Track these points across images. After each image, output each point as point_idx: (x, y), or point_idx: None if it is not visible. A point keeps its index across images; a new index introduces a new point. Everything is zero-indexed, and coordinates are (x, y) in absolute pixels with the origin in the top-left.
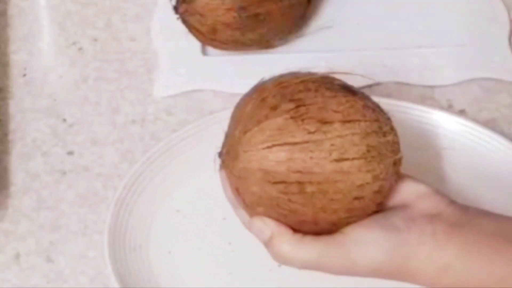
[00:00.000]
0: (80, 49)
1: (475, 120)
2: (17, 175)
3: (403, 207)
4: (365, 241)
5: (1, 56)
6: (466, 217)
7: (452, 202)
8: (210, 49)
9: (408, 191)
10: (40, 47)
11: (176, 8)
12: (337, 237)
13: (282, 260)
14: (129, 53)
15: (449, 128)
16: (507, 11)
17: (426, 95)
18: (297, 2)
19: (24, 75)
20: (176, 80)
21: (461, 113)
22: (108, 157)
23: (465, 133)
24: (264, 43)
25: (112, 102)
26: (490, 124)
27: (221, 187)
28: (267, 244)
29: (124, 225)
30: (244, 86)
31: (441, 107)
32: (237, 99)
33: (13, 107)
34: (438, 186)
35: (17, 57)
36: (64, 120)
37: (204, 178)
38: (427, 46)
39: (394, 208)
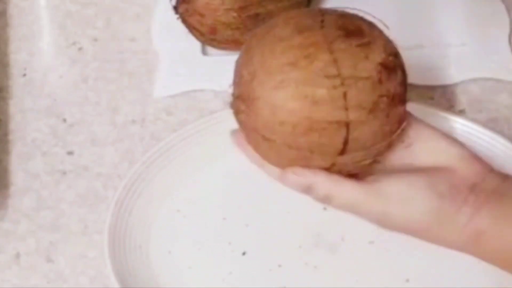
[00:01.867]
0: (80, 49)
1: (475, 120)
2: (17, 175)
3: (445, 170)
4: (405, 197)
5: (1, 56)
6: (506, 185)
7: (492, 169)
8: (210, 49)
9: (451, 153)
10: (40, 47)
11: (176, 8)
12: (378, 187)
13: (323, 201)
14: (129, 53)
15: (449, 128)
16: (507, 11)
17: (426, 95)
18: (297, 2)
19: (24, 75)
20: (176, 80)
21: (461, 113)
22: (108, 157)
23: (465, 133)
24: None
25: (112, 102)
26: (490, 124)
27: (221, 187)
28: (307, 191)
29: (124, 225)
30: None
31: (441, 107)
32: None
33: (13, 107)
34: None
35: (17, 57)
36: (64, 120)
37: (204, 178)
38: (427, 46)
39: (436, 170)
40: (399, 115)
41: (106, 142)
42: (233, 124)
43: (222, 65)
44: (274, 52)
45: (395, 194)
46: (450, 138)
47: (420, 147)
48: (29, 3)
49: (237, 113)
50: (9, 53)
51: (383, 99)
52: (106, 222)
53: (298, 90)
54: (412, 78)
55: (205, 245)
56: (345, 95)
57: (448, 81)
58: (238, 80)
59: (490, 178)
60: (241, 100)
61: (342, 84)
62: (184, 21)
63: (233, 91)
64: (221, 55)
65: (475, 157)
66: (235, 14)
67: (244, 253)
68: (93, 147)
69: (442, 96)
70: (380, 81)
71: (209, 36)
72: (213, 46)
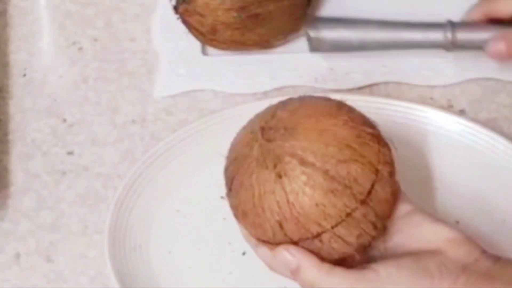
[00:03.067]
0: (80, 49)
1: (475, 120)
2: (17, 175)
3: (435, 252)
4: (396, 282)
5: (1, 56)
6: (497, 267)
7: (484, 251)
8: (210, 49)
9: (441, 236)
10: (40, 47)
11: (176, 8)
12: (368, 274)
13: (309, 287)
14: (129, 53)
15: (449, 128)
16: None
17: (426, 95)
18: (297, 2)
19: (24, 75)
20: (176, 80)
21: (461, 113)
22: (108, 157)
23: (465, 133)
24: (264, 43)
25: (112, 102)
26: (490, 124)
27: (221, 187)
28: (294, 273)
29: (124, 225)
30: (244, 86)
31: (441, 107)
32: (237, 99)
33: (13, 107)
34: (438, 186)
35: (17, 57)
36: (64, 120)
37: (204, 178)
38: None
39: (426, 252)
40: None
41: (106, 142)
42: (232, 123)
43: (222, 65)
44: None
45: (385, 278)
46: (439, 221)
47: (408, 233)
48: (29, 3)
49: (268, 140)
50: (9, 53)
51: (395, 171)
52: (106, 222)
53: (348, 120)
54: (412, 78)
55: (205, 245)
56: (379, 142)
57: (448, 81)
58: (271, 116)
59: (482, 259)
60: (277, 128)
61: (378, 135)
62: (184, 21)
63: (261, 125)
64: (221, 55)
65: (466, 239)
66: (235, 14)
67: (244, 253)
68: (93, 147)
69: (442, 96)
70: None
71: (209, 36)
72: (213, 46)
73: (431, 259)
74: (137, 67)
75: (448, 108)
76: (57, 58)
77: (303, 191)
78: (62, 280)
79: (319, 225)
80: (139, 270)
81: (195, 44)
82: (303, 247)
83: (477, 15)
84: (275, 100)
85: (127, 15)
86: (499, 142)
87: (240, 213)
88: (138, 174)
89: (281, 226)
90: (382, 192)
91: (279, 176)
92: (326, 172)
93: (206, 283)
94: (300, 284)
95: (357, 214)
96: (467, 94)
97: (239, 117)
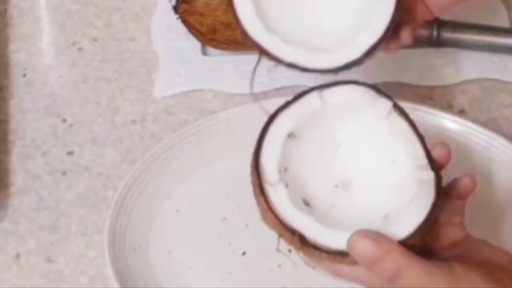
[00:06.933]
0: (80, 49)
1: (475, 120)
2: (17, 175)
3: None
4: (473, 281)
5: (1, 56)
6: None
7: None
8: (210, 49)
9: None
10: (40, 47)
11: (176, 8)
12: (448, 265)
13: (389, 278)
14: (129, 53)
15: (449, 128)
16: (507, 11)
17: (426, 95)
18: None
19: (24, 75)
20: (176, 80)
21: (461, 113)
22: (108, 157)
23: (465, 133)
24: None
25: (112, 102)
26: (490, 124)
27: (221, 187)
28: (373, 264)
29: (124, 225)
30: (244, 86)
31: (441, 107)
32: (236, 99)
33: (13, 107)
34: None
35: (17, 57)
36: (64, 120)
37: (204, 178)
38: (427, 46)
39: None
40: None
41: (106, 142)
42: (232, 123)
43: (222, 65)
44: None
45: (463, 275)
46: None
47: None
48: (29, 3)
49: None
50: (9, 53)
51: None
52: (106, 222)
53: None
54: (412, 78)
55: (205, 245)
56: None
57: (448, 81)
58: None
59: None
60: None
61: None
62: (184, 21)
63: None
64: (221, 55)
65: None
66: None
67: (244, 253)
68: (93, 147)
69: (442, 96)
70: None
71: (209, 36)
72: (213, 46)
73: (502, 272)
74: (137, 67)
75: (448, 108)
76: (57, 58)
77: None
78: (62, 280)
79: None
80: (139, 270)
81: (195, 44)
82: None
83: None
84: (275, 100)
85: (127, 15)
86: (499, 142)
87: None
88: (138, 174)
89: None
90: None
91: None
92: None
93: (206, 283)
94: (378, 274)
95: None
96: (467, 94)
97: (239, 117)
